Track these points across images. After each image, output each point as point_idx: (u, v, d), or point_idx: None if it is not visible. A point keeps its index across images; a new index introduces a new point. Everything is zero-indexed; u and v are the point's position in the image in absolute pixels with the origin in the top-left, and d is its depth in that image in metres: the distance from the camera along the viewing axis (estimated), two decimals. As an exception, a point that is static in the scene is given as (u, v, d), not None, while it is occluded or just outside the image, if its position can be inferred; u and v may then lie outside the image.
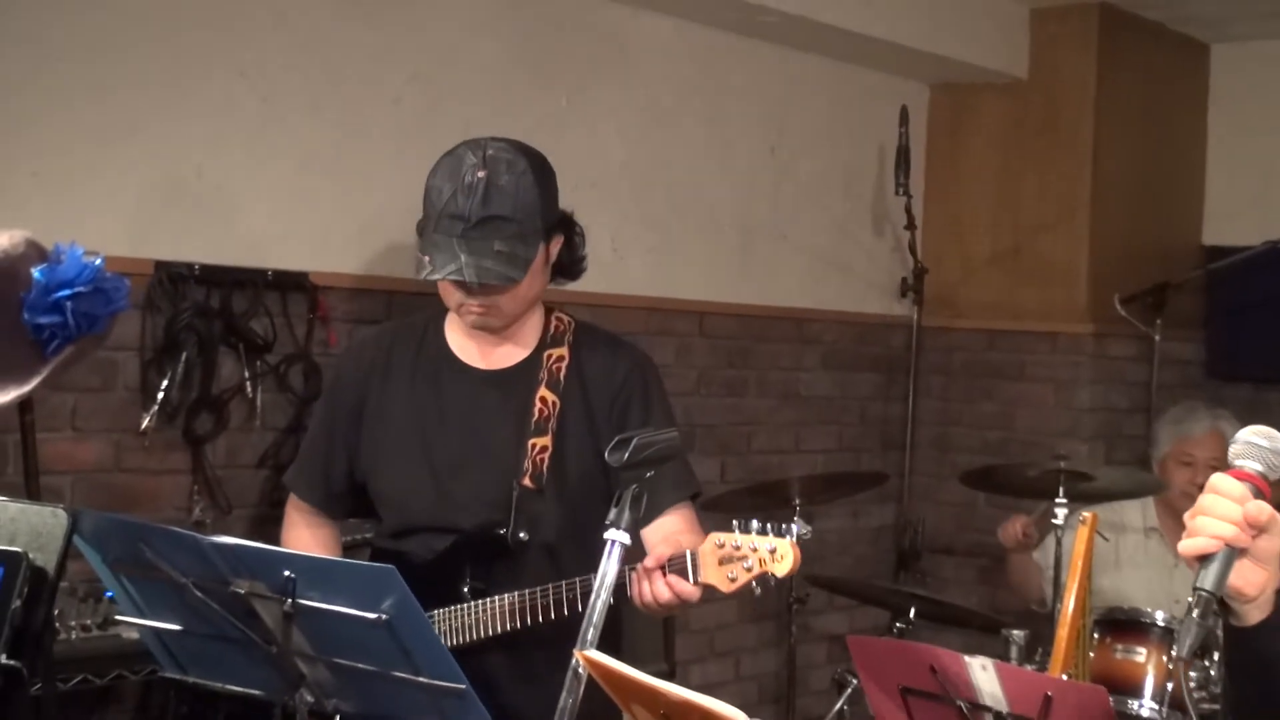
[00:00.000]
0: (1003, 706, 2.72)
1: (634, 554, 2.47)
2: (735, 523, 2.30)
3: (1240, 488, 1.55)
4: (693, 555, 2.32)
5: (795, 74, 5.37)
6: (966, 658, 2.78)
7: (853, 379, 5.71)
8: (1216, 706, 3.65)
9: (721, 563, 2.31)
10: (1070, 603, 3.29)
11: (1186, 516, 1.57)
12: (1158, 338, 5.61)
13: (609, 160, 4.73)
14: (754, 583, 2.31)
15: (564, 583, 2.45)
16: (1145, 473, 4.52)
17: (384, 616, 2.06)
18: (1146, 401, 5.61)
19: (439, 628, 2.59)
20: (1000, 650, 3.62)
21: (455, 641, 2.60)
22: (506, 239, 2.56)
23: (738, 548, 2.28)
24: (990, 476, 4.48)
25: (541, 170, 2.67)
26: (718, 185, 5.16)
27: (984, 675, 2.74)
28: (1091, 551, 3.34)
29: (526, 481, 2.61)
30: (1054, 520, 4.03)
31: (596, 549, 2.55)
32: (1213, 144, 6.18)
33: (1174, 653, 1.46)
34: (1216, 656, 3.74)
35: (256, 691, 2.36)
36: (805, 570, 4.67)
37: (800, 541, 2.30)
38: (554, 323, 2.77)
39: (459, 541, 2.67)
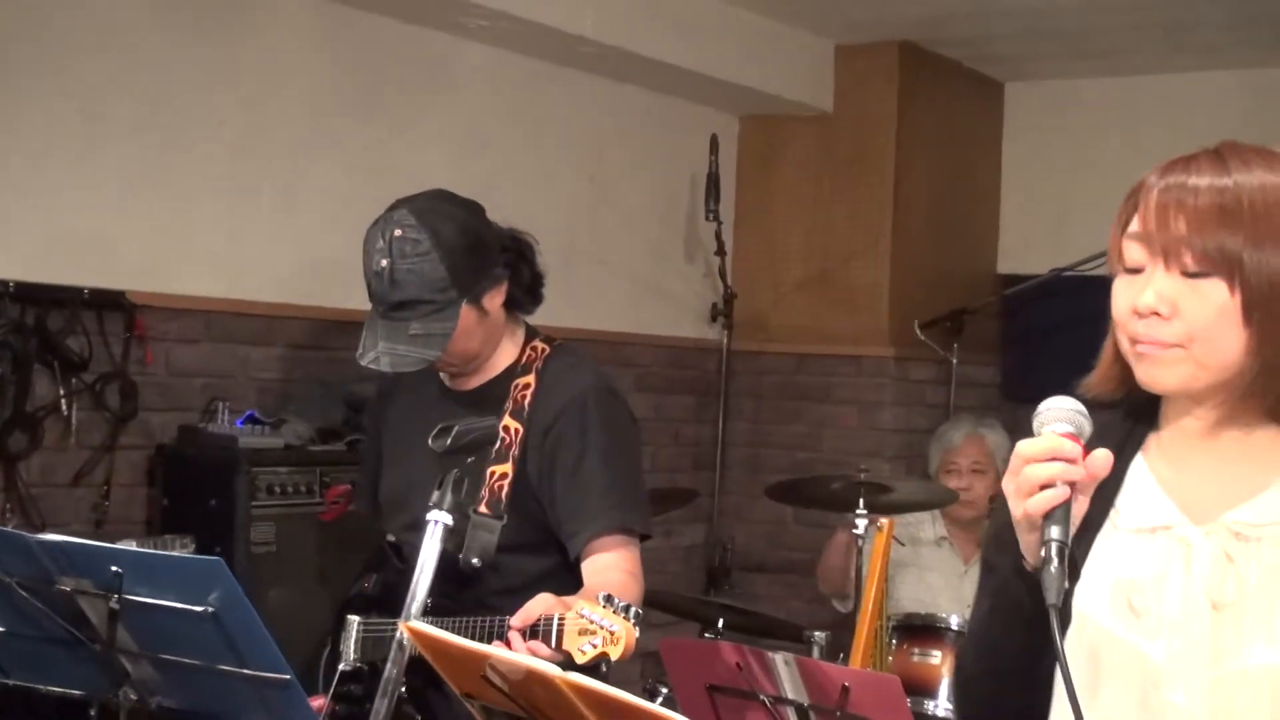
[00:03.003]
0: (804, 699, 2.84)
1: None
2: (600, 595, 2.32)
3: (1073, 445, 1.59)
4: (559, 622, 2.35)
5: (613, 104, 5.49)
6: (770, 654, 2.91)
7: (667, 401, 5.81)
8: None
9: (580, 633, 2.32)
10: (869, 602, 3.46)
11: (1007, 481, 1.62)
12: (955, 361, 5.82)
13: (432, 182, 4.76)
14: (597, 661, 2.33)
15: (496, 620, 2.47)
16: (940, 485, 4.72)
17: (210, 609, 2.10)
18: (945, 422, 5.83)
19: (375, 634, 2.62)
20: (804, 653, 3.76)
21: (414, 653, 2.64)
22: (422, 319, 2.63)
23: (593, 622, 2.30)
24: (796, 490, 4.60)
25: (450, 238, 2.68)
26: (539, 212, 5.20)
27: (786, 670, 2.86)
28: (888, 554, 3.51)
29: (483, 509, 2.65)
30: (855, 531, 4.19)
31: (549, 565, 2.67)
32: (1007, 177, 6.41)
33: (1049, 599, 1.51)
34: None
35: (77, 691, 2.38)
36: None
37: (637, 620, 2.33)
38: (528, 352, 2.82)
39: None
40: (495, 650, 1.55)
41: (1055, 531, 1.56)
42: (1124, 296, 1.68)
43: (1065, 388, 5.95)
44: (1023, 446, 1.61)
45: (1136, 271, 1.68)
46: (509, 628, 2.43)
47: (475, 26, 4.75)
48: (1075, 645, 1.67)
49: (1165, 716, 1.63)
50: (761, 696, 2.88)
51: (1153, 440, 1.76)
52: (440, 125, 4.84)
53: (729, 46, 5.44)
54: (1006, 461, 5.08)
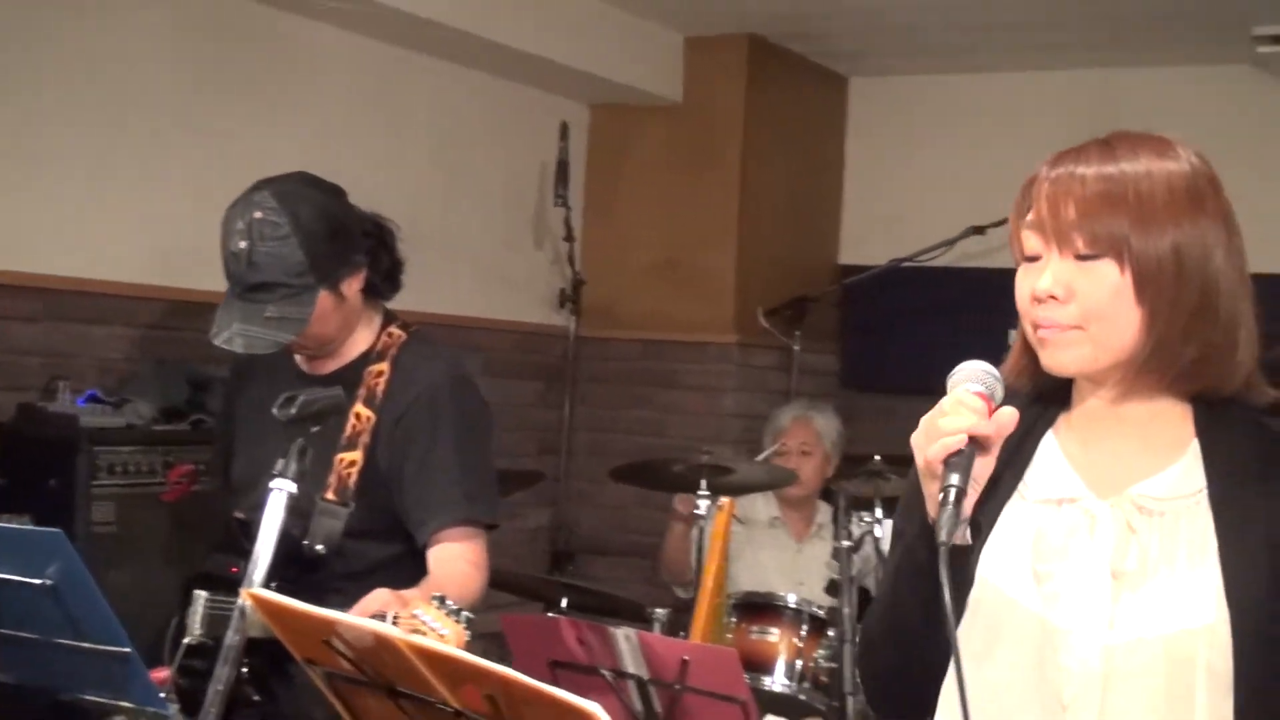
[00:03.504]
0: (644, 673, 2.89)
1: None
2: (436, 596, 2.33)
3: (979, 400, 1.64)
4: (393, 620, 2.35)
5: (465, 90, 5.49)
6: (611, 629, 2.96)
7: (514, 386, 5.80)
8: (833, 665, 3.96)
9: (411, 633, 2.35)
10: (709, 580, 3.53)
11: (916, 435, 1.65)
12: (797, 348, 5.89)
13: (284, 163, 4.66)
14: None
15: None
16: (778, 466, 4.80)
17: (49, 582, 2.07)
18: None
19: (222, 611, 2.59)
20: (646, 630, 3.82)
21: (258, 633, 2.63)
22: (278, 303, 2.62)
23: (424, 623, 2.30)
24: (640, 472, 4.64)
25: (309, 223, 2.67)
26: (389, 195, 5.12)
27: (627, 645, 2.90)
28: (728, 532, 3.58)
29: (330, 495, 2.64)
30: (697, 511, 4.26)
31: (395, 552, 2.68)
32: (849, 170, 6.52)
33: (940, 538, 1.52)
34: (832, 633, 4.05)
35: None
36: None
37: (469, 623, 2.33)
38: (383, 338, 2.81)
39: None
40: (343, 616, 1.57)
41: (954, 478, 1.60)
42: (1024, 284, 1.74)
43: (901, 375, 6.10)
44: (955, 393, 1.67)
45: (1035, 259, 1.72)
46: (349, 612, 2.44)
47: (330, 10, 4.72)
48: (975, 608, 1.73)
49: (1060, 681, 1.67)
50: (603, 671, 2.92)
51: (1063, 420, 1.80)
52: (295, 109, 4.81)
53: (580, 36, 5.47)
54: (835, 444, 5.24)
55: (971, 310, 6.02)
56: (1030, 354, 1.77)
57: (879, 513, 4.20)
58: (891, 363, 6.24)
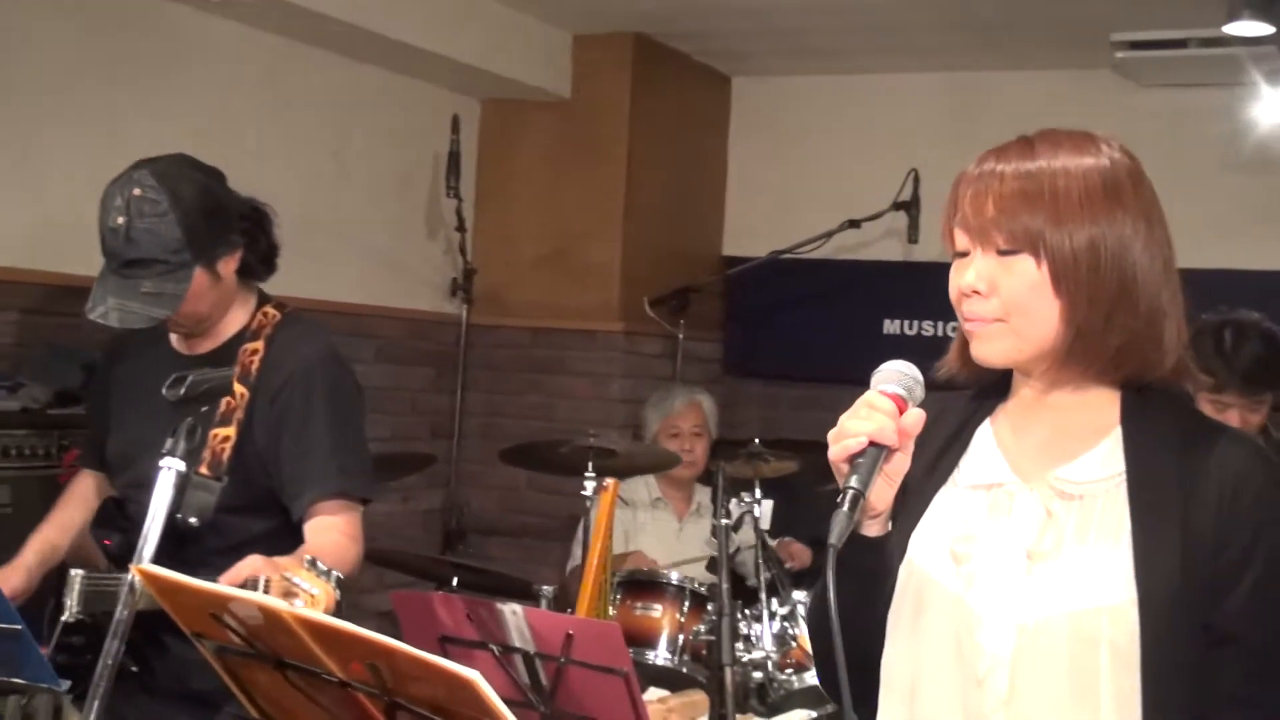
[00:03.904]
0: (530, 646, 2.90)
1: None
2: (307, 558, 2.32)
3: (888, 401, 1.68)
4: (265, 585, 2.35)
5: (357, 83, 5.44)
6: (498, 604, 2.95)
7: (406, 372, 5.79)
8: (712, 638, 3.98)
9: (284, 595, 2.33)
10: (594, 558, 3.54)
11: (831, 432, 1.68)
12: (681, 337, 5.93)
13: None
14: None
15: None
16: (661, 448, 4.83)
17: None
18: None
19: (98, 588, 2.57)
20: (533, 606, 3.82)
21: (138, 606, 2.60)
22: (154, 279, 2.59)
23: (296, 585, 2.30)
24: (529, 454, 4.64)
25: (188, 201, 2.64)
26: (281, 185, 5.08)
27: (514, 620, 2.89)
28: (613, 513, 3.59)
29: (203, 470, 2.60)
30: (583, 493, 4.27)
31: (270, 526, 2.64)
32: (732, 165, 6.55)
33: (830, 539, 1.53)
34: (712, 608, 4.08)
35: None
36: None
37: (338, 583, 2.33)
38: (258, 318, 2.78)
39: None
40: (233, 590, 1.56)
41: (853, 480, 1.63)
42: (954, 279, 1.75)
43: (780, 362, 6.14)
44: (867, 396, 1.70)
45: (964, 255, 1.73)
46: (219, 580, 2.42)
47: (221, 3, 4.65)
48: (904, 588, 1.76)
49: (975, 657, 1.69)
50: (491, 646, 2.92)
51: (1001, 410, 1.82)
52: (184, 97, 4.73)
53: (471, 32, 5.45)
54: (716, 426, 5.28)
55: (847, 300, 6.13)
56: (965, 346, 1.79)
57: (758, 493, 4.24)
58: (772, 350, 6.31)
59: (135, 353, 2.86)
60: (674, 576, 4.20)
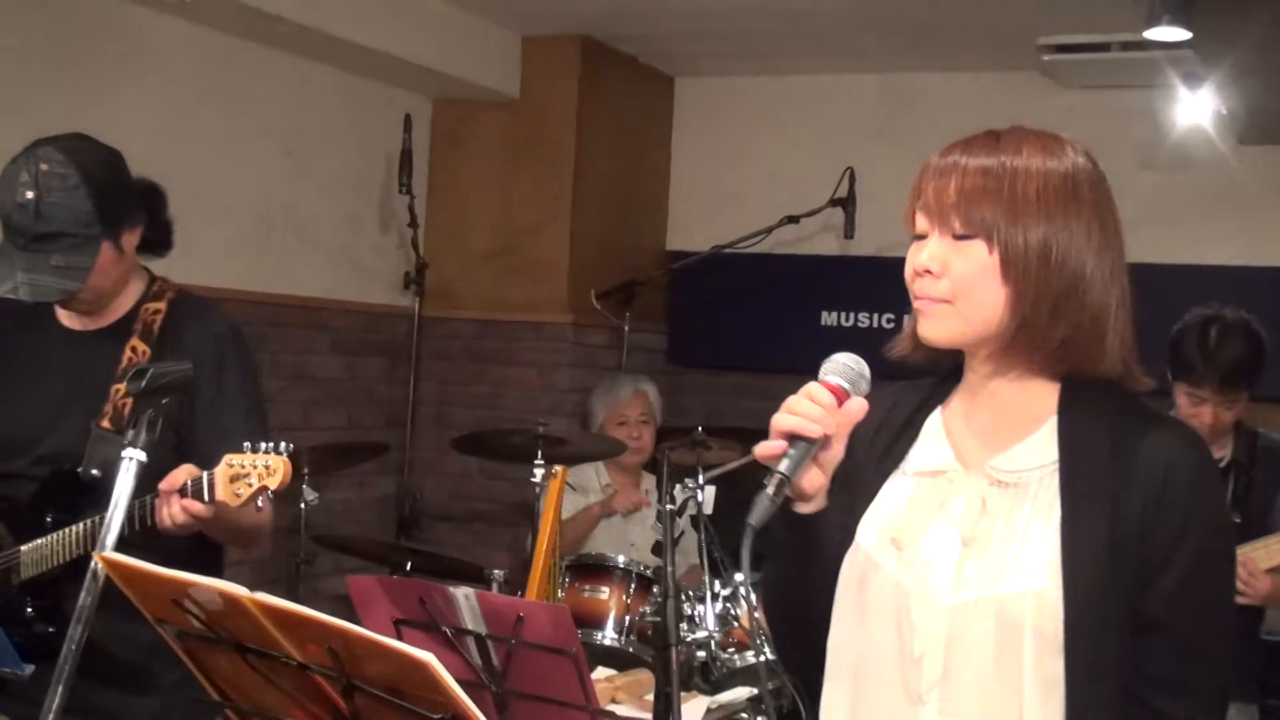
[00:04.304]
0: (482, 628, 2.90)
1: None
2: (246, 444, 2.36)
3: (827, 394, 1.68)
4: (209, 476, 2.38)
5: (311, 82, 5.40)
6: (451, 588, 2.95)
7: (361, 363, 5.77)
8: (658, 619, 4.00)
9: (231, 480, 2.37)
10: (544, 542, 3.54)
11: (776, 418, 1.68)
12: (627, 328, 5.92)
13: (131, 152, 4.50)
14: (255, 499, 2.38)
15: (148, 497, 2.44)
16: (609, 437, 4.83)
17: None
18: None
19: (24, 560, 2.55)
20: (485, 590, 3.81)
21: (40, 570, 2.57)
22: (63, 252, 2.54)
23: (244, 466, 2.34)
24: (480, 443, 4.64)
25: (96, 175, 2.61)
26: (237, 182, 5.12)
27: (466, 603, 2.89)
28: (561, 498, 3.59)
29: (105, 424, 2.58)
30: (533, 480, 4.26)
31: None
32: (675, 163, 6.56)
33: (750, 519, 1.54)
34: (657, 590, 4.08)
35: None
36: (312, 533, 4.76)
37: (289, 454, 2.38)
38: (156, 285, 2.75)
39: (42, 484, 2.63)
40: (195, 578, 1.55)
41: (782, 465, 1.64)
42: (910, 259, 1.75)
43: (722, 352, 6.15)
44: (808, 387, 1.70)
45: (923, 238, 1.74)
46: (158, 493, 2.43)
47: (177, 3, 4.60)
48: (849, 571, 1.77)
49: (912, 637, 1.70)
50: (444, 628, 2.92)
51: (954, 397, 1.83)
52: (141, 96, 4.68)
53: (422, 33, 5.42)
54: (661, 413, 5.26)
55: (786, 293, 6.16)
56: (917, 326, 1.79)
57: (701, 479, 4.25)
58: (714, 341, 6.33)
59: (14, 331, 2.79)
60: (620, 559, 4.21)
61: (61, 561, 2.54)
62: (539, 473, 4.23)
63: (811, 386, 1.70)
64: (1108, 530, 1.63)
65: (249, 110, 5.14)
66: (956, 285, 1.69)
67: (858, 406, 1.69)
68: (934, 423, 1.83)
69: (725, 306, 6.27)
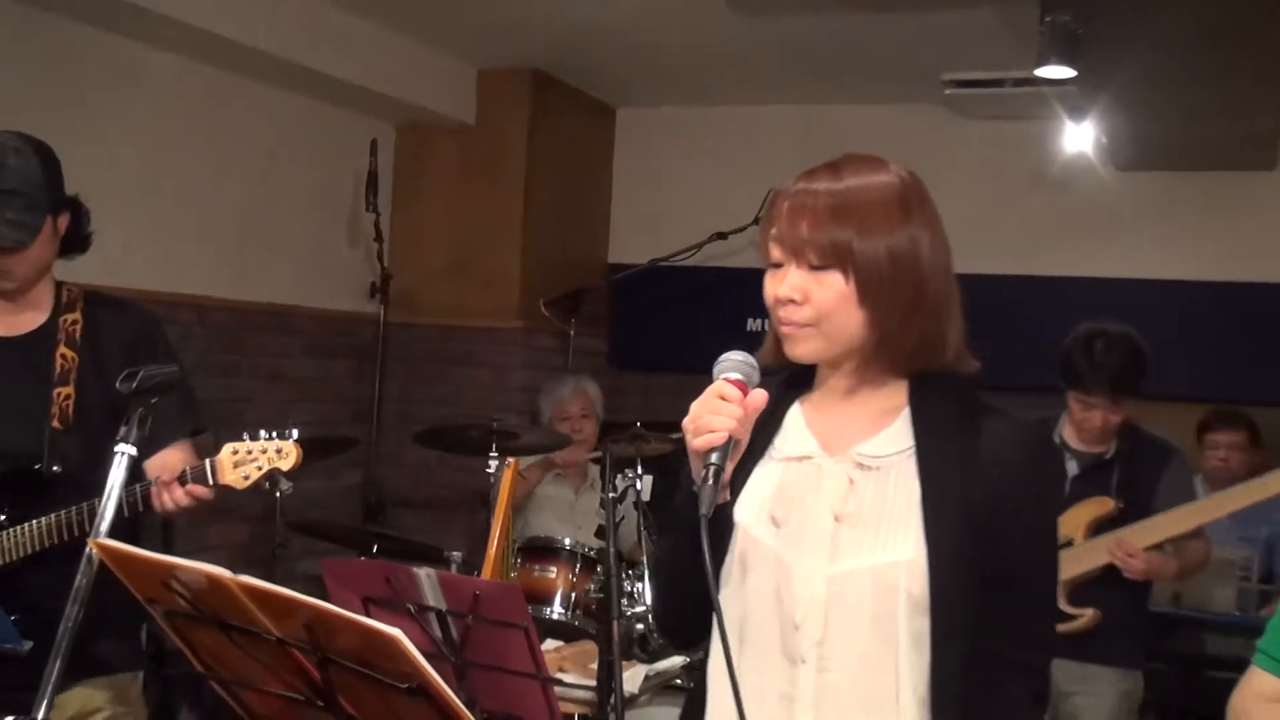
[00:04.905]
0: (442, 605, 2.88)
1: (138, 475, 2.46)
2: (245, 433, 2.33)
3: (736, 390, 1.69)
4: (212, 463, 2.35)
5: (285, 110, 5.36)
6: (414, 569, 2.93)
7: (330, 365, 5.73)
8: (601, 596, 4.00)
9: (235, 466, 2.34)
10: (498, 526, 3.52)
11: (687, 421, 1.69)
12: (573, 333, 5.94)
13: (122, 173, 4.58)
14: (265, 480, 2.36)
15: (85, 504, 2.41)
16: (556, 431, 4.82)
17: None
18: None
19: None
20: (444, 569, 3.80)
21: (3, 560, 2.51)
22: (16, 210, 2.48)
23: (249, 452, 2.31)
24: (439, 437, 4.60)
25: (46, 157, 2.58)
26: (217, 200, 5.08)
27: (428, 582, 2.87)
28: (514, 487, 3.57)
29: (55, 424, 2.53)
30: (488, 470, 4.24)
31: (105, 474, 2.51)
32: (616, 184, 6.57)
33: (701, 509, 1.55)
34: (600, 569, 4.08)
35: None
36: (287, 520, 4.72)
37: (297, 441, 2.37)
38: (65, 292, 2.68)
39: None
40: (181, 561, 1.54)
41: (713, 457, 1.65)
42: (770, 287, 1.75)
43: (658, 355, 6.14)
44: (718, 387, 1.70)
45: (779, 266, 1.74)
46: (156, 482, 2.39)
47: (163, 35, 4.56)
48: (733, 547, 1.77)
49: (792, 605, 1.72)
50: (408, 605, 2.90)
51: (813, 393, 1.85)
52: (128, 122, 4.63)
53: (387, 65, 5.40)
54: (602, 409, 5.24)
55: (715, 302, 6.17)
56: (780, 342, 1.80)
57: (640, 469, 4.26)
58: (651, 345, 6.34)
59: None
60: (567, 542, 4.20)
61: (22, 555, 2.49)
62: (493, 464, 4.21)
63: (722, 386, 1.69)
64: (961, 505, 1.69)
65: (229, 134, 5.10)
66: (819, 311, 1.71)
67: (760, 398, 1.71)
68: (795, 415, 1.84)
69: (661, 314, 6.28)
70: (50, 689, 1.76)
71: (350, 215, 5.75)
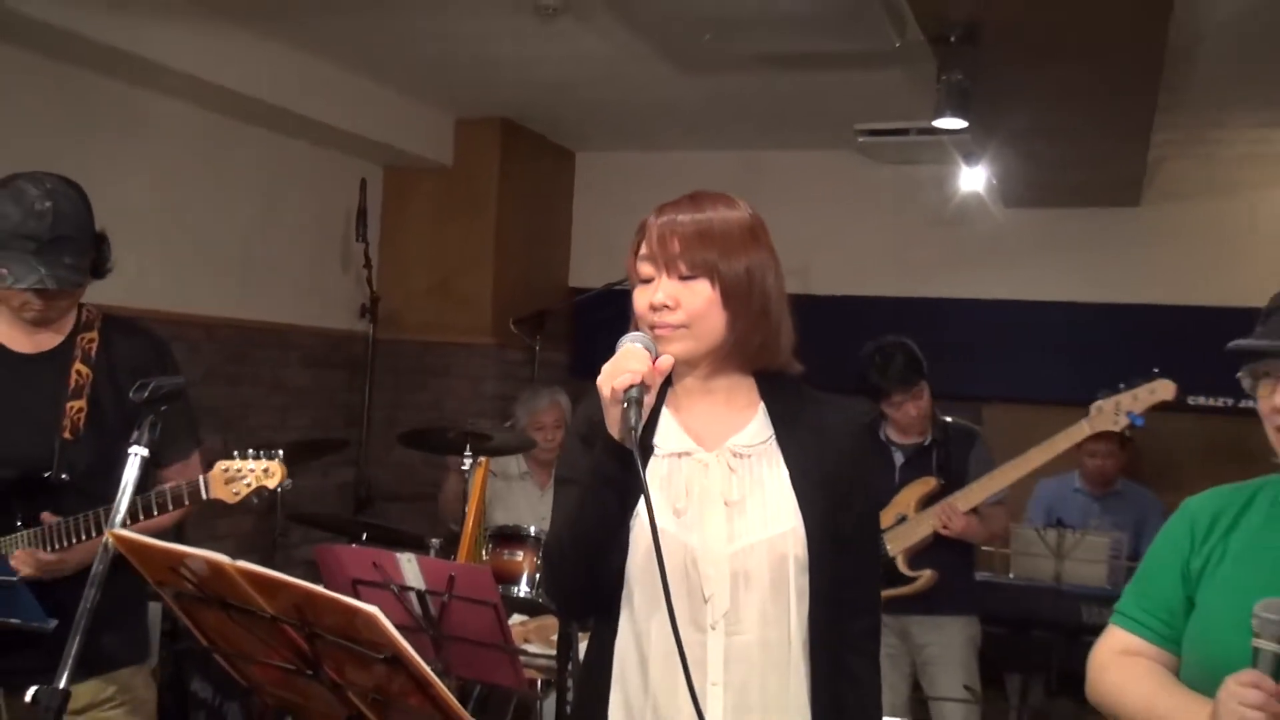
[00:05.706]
0: (421, 586, 2.87)
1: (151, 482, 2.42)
2: (235, 452, 2.29)
3: (645, 354, 1.68)
4: (204, 479, 2.31)
5: (284, 153, 5.33)
6: (397, 554, 2.92)
7: (325, 375, 5.70)
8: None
9: (227, 482, 2.31)
10: (471, 516, 3.51)
11: (602, 377, 1.66)
12: (539, 348, 5.92)
13: (138, 206, 4.54)
14: (253, 495, 2.31)
15: (97, 510, 2.36)
16: (523, 434, 4.80)
17: None
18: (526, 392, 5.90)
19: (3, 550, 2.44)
20: (424, 554, 3.77)
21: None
22: (73, 254, 2.42)
23: (239, 470, 2.28)
24: (421, 438, 4.56)
25: (85, 198, 2.51)
26: (223, 230, 5.05)
27: (409, 566, 2.88)
28: (486, 483, 3.56)
29: (66, 435, 2.47)
30: (463, 469, 4.22)
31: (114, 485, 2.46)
32: (576, 218, 6.57)
33: (630, 425, 1.52)
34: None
35: None
36: (287, 512, 4.68)
37: (281, 460, 2.32)
38: (85, 313, 2.61)
39: (8, 485, 2.48)
40: (188, 549, 1.52)
41: (633, 392, 1.63)
42: (642, 299, 1.77)
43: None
44: (628, 347, 1.69)
45: (648, 281, 1.76)
46: (158, 488, 2.35)
47: (173, 86, 4.52)
48: (637, 538, 1.73)
49: (700, 582, 1.72)
50: (392, 586, 2.89)
51: (670, 395, 1.83)
52: (143, 160, 4.59)
53: (374, 114, 5.38)
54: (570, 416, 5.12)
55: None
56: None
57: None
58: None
59: None
60: (533, 529, 4.18)
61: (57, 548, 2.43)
62: (468, 462, 4.19)
63: (633, 347, 1.69)
64: (819, 480, 1.76)
65: (233, 173, 5.07)
66: (690, 314, 1.73)
67: (667, 363, 1.70)
68: (666, 416, 1.82)
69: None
70: (71, 661, 1.73)
71: (342, 244, 5.72)
